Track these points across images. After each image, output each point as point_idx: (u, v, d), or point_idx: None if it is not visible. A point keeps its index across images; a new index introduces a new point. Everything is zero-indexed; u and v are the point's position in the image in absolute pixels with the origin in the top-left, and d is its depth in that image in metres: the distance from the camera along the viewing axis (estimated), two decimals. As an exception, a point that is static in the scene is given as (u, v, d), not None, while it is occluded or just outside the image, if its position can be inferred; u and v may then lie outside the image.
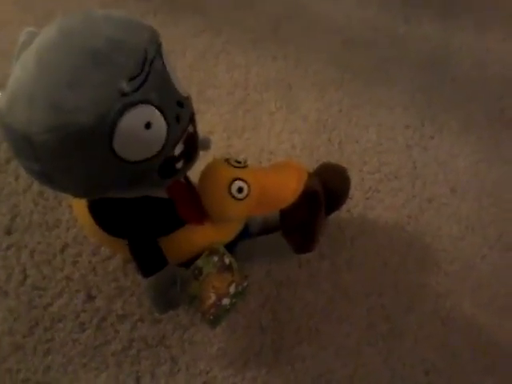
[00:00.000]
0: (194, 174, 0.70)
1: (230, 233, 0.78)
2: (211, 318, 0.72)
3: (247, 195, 0.68)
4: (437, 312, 0.89)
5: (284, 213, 0.80)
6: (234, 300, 0.74)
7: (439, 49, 1.40)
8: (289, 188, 0.73)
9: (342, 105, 1.19)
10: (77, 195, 0.63)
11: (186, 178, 0.73)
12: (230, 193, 0.67)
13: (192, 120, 0.63)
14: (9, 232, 0.88)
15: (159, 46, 0.57)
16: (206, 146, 0.86)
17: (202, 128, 1.05)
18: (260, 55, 1.28)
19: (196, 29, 1.31)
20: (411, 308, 0.89)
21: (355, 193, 1.02)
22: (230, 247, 0.78)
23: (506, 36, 1.47)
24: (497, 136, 1.20)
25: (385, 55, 1.35)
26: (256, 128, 1.11)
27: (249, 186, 0.67)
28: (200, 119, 1.06)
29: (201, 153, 0.83)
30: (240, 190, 0.67)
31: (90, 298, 0.83)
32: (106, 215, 0.69)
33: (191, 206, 0.70)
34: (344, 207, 0.96)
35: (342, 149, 1.10)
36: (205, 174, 0.69)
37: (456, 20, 1.50)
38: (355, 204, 1.01)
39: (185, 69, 1.20)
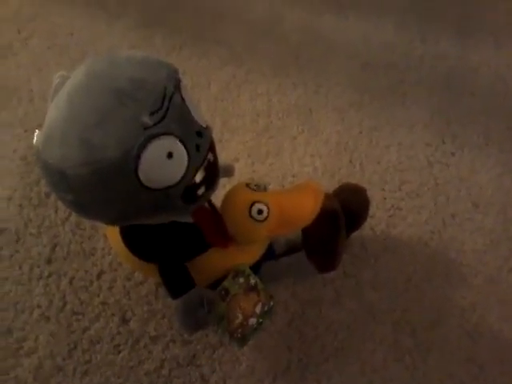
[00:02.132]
0: (219, 199, 0.74)
1: (254, 254, 0.81)
2: (239, 337, 0.75)
3: (267, 217, 0.70)
4: (463, 326, 0.89)
5: (306, 233, 0.83)
6: (260, 320, 0.76)
7: (457, 66, 1.42)
8: (306, 208, 0.75)
9: (361, 126, 1.22)
10: (108, 223, 0.68)
11: (211, 204, 0.76)
12: (251, 215, 0.70)
13: (212, 148, 0.66)
14: (49, 261, 0.93)
15: (178, 81, 0.61)
16: (230, 172, 0.90)
17: (227, 155, 1.12)
18: (281, 83, 1.32)
19: (220, 61, 1.37)
20: (437, 323, 0.89)
21: (377, 211, 1.04)
22: (256, 268, 0.81)
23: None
24: (518, 150, 1.21)
25: (403, 76, 1.38)
26: (279, 153, 1.15)
27: (268, 208, 0.70)
28: (225, 147, 1.14)
29: (226, 179, 0.88)
30: (260, 211, 0.70)
31: (125, 321, 0.87)
32: (136, 241, 0.74)
33: (216, 230, 0.73)
34: (367, 226, 0.98)
35: (363, 169, 1.12)
36: (226, 199, 0.73)
37: (473, 36, 1.52)
38: (378, 222, 1.02)
39: (210, 100, 1.25)
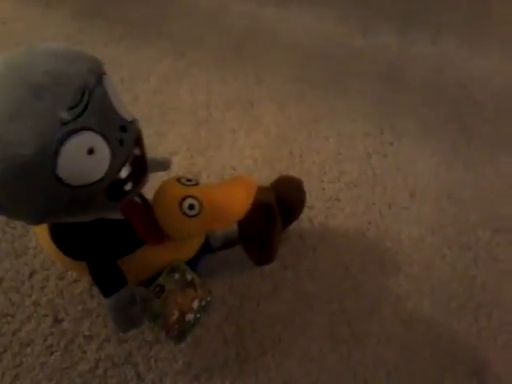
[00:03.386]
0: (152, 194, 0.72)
1: (189, 249, 0.80)
2: (176, 334, 0.74)
3: (199, 211, 0.70)
4: (397, 314, 0.91)
5: (241, 227, 0.83)
6: (197, 315, 0.75)
7: (396, 59, 1.45)
8: (238, 201, 0.75)
9: (302, 118, 1.23)
10: (30, 222, 0.65)
11: (143, 199, 0.75)
12: (182, 210, 0.69)
13: (138, 142, 0.65)
14: (-24, 261, 0.89)
15: (100, 75, 0.59)
16: (166, 166, 0.88)
17: (165, 148, 1.10)
18: (222, 75, 1.31)
19: (160, 53, 1.35)
20: (372, 311, 0.91)
21: (316, 203, 1.05)
22: (192, 263, 0.80)
23: (460, 43, 1.53)
24: (454, 140, 1.25)
25: (343, 67, 1.39)
26: (218, 146, 1.14)
27: (200, 203, 0.70)
28: (163, 140, 1.11)
29: (164, 173, 0.86)
30: (191, 206, 0.69)
31: (57, 321, 0.85)
32: (65, 239, 0.71)
33: (148, 226, 0.72)
34: (305, 217, 0.99)
35: (302, 161, 1.13)
36: (156, 195, 0.71)
37: (412, 31, 1.55)
38: (316, 213, 1.03)
39: (148, 93, 1.23)
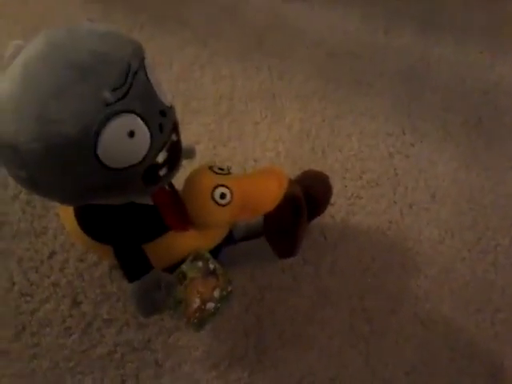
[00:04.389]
0: (180, 181, 0.72)
1: (214, 239, 0.80)
2: (196, 321, 0.74)
3: (230, 201, 0.69)
4: (417, 314, 0.91)
5: (267, 218, 0.83)
6: (218, 304, 0.75)
7: (419, 60, 1.44)
8: (270, 193, 0.75)
9: (324, 115, 1.22)
10: (63, 202, 0.65)
11: (171, 186, 0.74)
12: (213, 199, 0.69)
13: (175, 129, 0.65)
14: (-4, 240, 0.89)
15: (143, 59, 0.59)
16: (191, 154, 0.88)
17: (188, 138, 1.09)
18: (245, 67, 1.31)
19: (182, 41, 1.34)
20: (392, 310, 0.91)
21: (338, 199, 1.04)
22: (215, 253, 0.80)
23: (482, 49, 1.52)
24: (474, 144, 1.24)
25: (366, 66, 1.39)
26: (241, 137, 1.13)
27: (231, 192, 0.69)
28: (186, 129, 1.11)
29: (187, 161, 0.86)
30: (222, 196, 0.69)
31: (77, 303, 0.85)
32: (91, 221, 0.71)
33: (176, 212, 0.72)
34: (327, 213, 0.98)
35: (324, 157, 1.13)
36: (188, 181, 0.71)
37: (435, 32, 1.54)
38: (338, 210, 1.03)
39: (171, 81, 1.22)
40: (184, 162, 0.80)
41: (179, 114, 1.02)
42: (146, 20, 1.37)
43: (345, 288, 0.92)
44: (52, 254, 0.90)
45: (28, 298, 0.85)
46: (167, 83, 1.21)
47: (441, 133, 1.25)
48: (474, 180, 1.16)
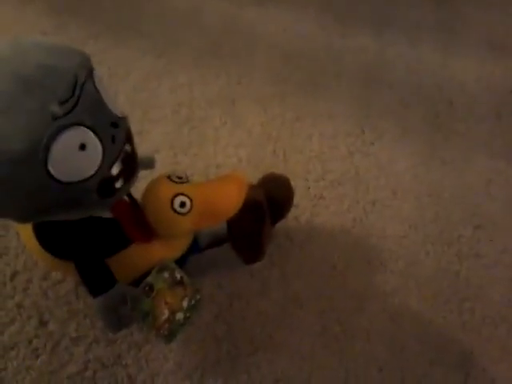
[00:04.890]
0: (141, 192, 0.72)
1: (178, 248, 0.79)
2: (166, 333, 0.73)
3: (190, 209, 0.69)
4: (385, 310, 0.92)
5: (231, 224, 0.83)
6: (187, 314, 0.75)
7: (375, 60, 1.47)
8: (229, 199, 0.75)
9: (284, 118, 1.23)
10: (17, 220, 0.64)
11: (131, 197, 0.74)
12: (173, 208, 0.68)
13: (129, 139, 0.64)
14: (-45, 264, 0.87)
15: (90, 70, 0.58)
16: (151, 164, 0.87)
17: (148, 147, 1.09)
18: (203, 73, 1.31)
19: (138, 51, 1.34)
20: (361, 308, 0.91)
21: (301, 201, 1.05)
22: (181, 262, 0.79)
23: (436, 46, 1.56)
24: (433, 139, 1.27)
25: (323, 68, 1.41)
26: (202, 144, 1.14)
27: (191, 200, 0.69)
28: (145, 139, 1.11)
29: (147, 172, 0.85)
30: (182, 204, 0.69)
31: (43, 323, 0.83)
32: (50, 238, 0.70)
33: (137, 224, 0.71)
34: (291, 215, 0.99)
35: (286, 159, 1.14)
36: (147, 192, 0.71)
37: (389, 33, 1.58)
38: (302, 212, 1.04)
39: (128, 91, 1.22)
40: (145, 173, 0.80)
41: (138, 124, 1.02)
42: (100, 31, 1.36)
43: (313, 289, 0.92)
44: (15, 274, 0.88)
45: (-9, 322, 0.82)
46: (124, 93, 1.20)
47: (399, 130, 1.28)
48: (433, 174, 1.18)
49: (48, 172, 0.53)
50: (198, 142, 1.14)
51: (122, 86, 1.22)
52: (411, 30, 1.63)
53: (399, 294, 0.94)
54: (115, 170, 0.61)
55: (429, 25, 1.67)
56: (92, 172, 0.57)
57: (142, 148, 1.00)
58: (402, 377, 0.84)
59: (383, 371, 0.85)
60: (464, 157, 1.24)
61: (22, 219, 0.63)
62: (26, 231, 0.73)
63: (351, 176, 1.13)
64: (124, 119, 0.63)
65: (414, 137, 1.26)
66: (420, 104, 1.37)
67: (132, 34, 1.38)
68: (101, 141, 0.56)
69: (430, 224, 1.07)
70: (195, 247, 0.84)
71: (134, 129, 0.66)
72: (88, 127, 0.54)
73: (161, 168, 0.94)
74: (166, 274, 0.74)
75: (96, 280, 0.70)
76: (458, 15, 1.76)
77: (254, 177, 0.93)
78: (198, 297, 0.76)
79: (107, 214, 0.68)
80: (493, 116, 1.38)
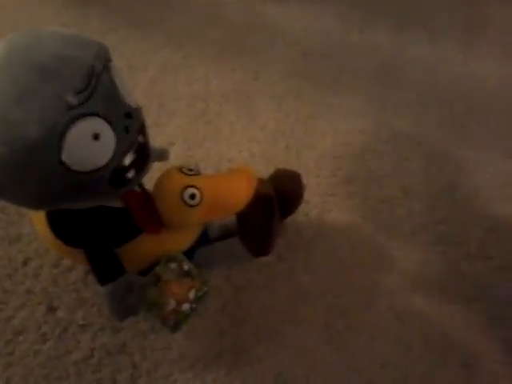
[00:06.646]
0: (152, 183, 0.72)
1: (187, 240, 0.80)
2: (171, 323, 0.74)
3: (200, 201, 0.70)
4: (391, 308, 0.91)
5: (240, 218, 0.83)
6: (193, 305, 0.75)
7: (392, 58, 1.46)
8: (239, 192, 0.75)
9: (299, 114, 1.23)
10: (29, 207, 0.65)
11: (143, 188, 0.74)
12: (183, 200, 0.69)
13: (142, 130, 0.65)
14: (-32, 248, 0.88)
15: (107, 61, 0.59)
16: (165, 156, 0.88)
17: (163, 139, 1.10)
18: (220, 68, 1.32)
19: (156, 44, 1.35)
20: (367, 305, 0.91)
21: (312, 197, 1.05)
22: (189, 254, 0.80)
23: (456, 45, 1.55)
24: (448, 139, 1.25)
25: (340, 65, 1.40)
26: (216, 138, 1.14)
27: (201, 193, 0.70)
28: (160, 131, 1.11)
29: (161, 163, 0.86)
30: (192, 196, 0.69)
31: (52, 309, 0.84)
32: (62, 226, 0.71)
33: (147, 214, 0.72)
34: (301, 211, 0.99)
35: (299, 156, 1.14)
36: (158, 183, 0.71)
37: (409, 30, 1.57)
38: (312, 208, 1.04)
39: (146, 83, 1.23)
40: (159, 164, 0.81)
41: (154, 116, 1.02)
42: (121, 24, 1.38)
43: (320, 284, 0.92)
44: (26, 261, 0.89)
45: (2, 306, 0.84)
46: (142, 86, 1.22)
47: (414, 129, 1.26)
48: (446, 174, 1.17)
49: (61, 161, 0.54)
50: (211, 135, 1.14)
51: (140, 78, 1.23)
52: (435, 29, 1.61)
53: (405, 292, 0.94)
54: (128, 161, 0.61)
55: (454, 25, 1.65)
56: (104, 162, 0.58)
57: (158, 140, 1.02)
58: (405, 375, 0.84)
59: (386, 368, 0.85)
60: (479, 158, 1.23)
61: (34, 206, 0.64)
62: (39, 218, 0.74)
63: (363, 174, 1.13)
64: (138, 110, 0.63)
65: (430, 137, 1.25)
66: (437, 103, 1.35)
67: (151, 28, 1.39)
68: (114, 131, 0.57)
69: (440, 224, 1.07)
70: (205, 239, 0.84)
71: (149, 121, 0.66)
72: (102, 117, 0.55)
73: (174, 160, 0.96)
74: (174, 265, 0.75)
75: (105, 268, 0.71)
76: (486, 16, 1.74)
77: (266, 172, 0.93)
78: (205, 288, 0.77)
79: (118, 204, 0.69)
80: (511, 118, 1.37)
